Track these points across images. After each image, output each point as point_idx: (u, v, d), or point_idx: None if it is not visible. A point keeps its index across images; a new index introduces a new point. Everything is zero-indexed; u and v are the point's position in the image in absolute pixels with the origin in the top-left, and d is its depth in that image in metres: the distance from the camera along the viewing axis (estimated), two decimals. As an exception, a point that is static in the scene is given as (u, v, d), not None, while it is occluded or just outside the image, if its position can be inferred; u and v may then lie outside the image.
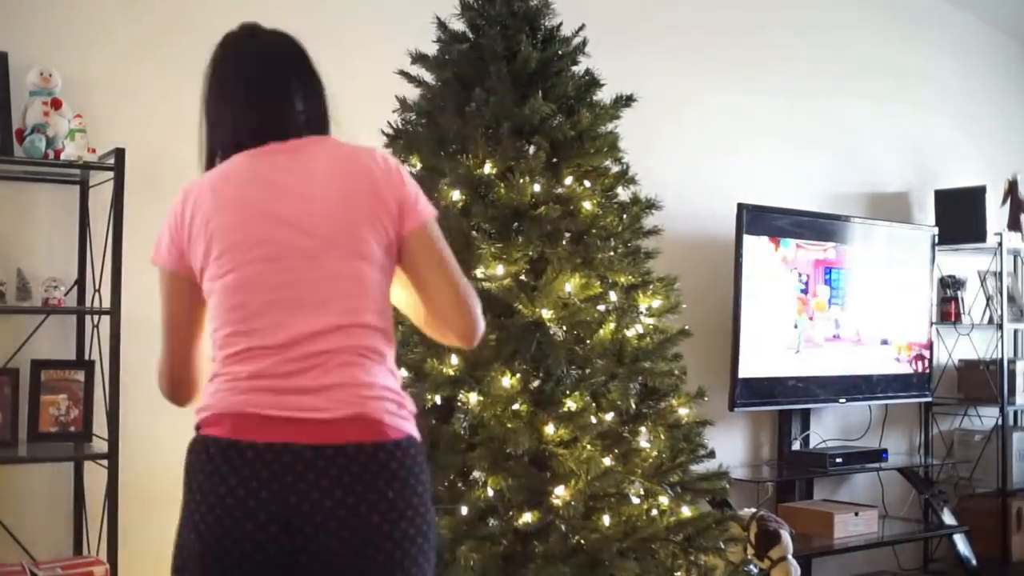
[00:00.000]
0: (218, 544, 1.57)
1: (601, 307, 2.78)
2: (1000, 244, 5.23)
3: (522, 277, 2.72)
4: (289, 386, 1.61)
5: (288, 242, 1.66)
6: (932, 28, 5.73)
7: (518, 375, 2.64)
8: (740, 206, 4.37)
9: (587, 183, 2.82)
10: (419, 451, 1.68)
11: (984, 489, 5.28)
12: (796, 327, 4.63)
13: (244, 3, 3.67)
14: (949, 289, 5.44)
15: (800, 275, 4.64)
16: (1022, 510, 5.23)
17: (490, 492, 2.60)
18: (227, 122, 1.80)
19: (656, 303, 2.88)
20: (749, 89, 4.88)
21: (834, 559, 4.83)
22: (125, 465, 3.08)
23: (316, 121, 1.88)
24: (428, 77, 2.97)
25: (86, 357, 3.27)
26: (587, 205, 2.79)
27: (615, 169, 2.92)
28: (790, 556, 3.78)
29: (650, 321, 2.88)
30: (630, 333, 2.81)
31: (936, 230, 5.25)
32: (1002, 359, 5.21)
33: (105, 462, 3.06)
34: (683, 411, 2.86)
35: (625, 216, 2.89)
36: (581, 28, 2.98)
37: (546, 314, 2.67)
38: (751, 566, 3.56)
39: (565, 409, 2.65)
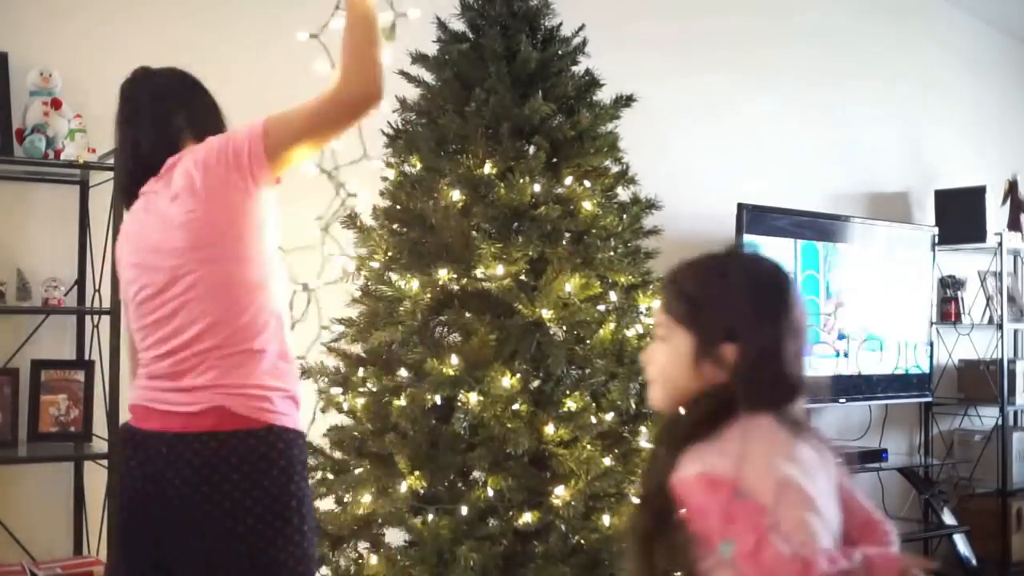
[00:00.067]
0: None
1: (601, 307, 2.78)
2: (1000, 244, 5.23)
3: (522, 277, 2.72)
4: (169, 386, 1.91)
5: (155, 273, 1.93)
6: (932, 28, 5.73)
7: (518, 375, 2.63)
8: (740, 206, 4.37)
9: (587, 183, 2.82)
10: (280, 440, 1.89)
11: (984, 489, 5.28)
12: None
13: (247, 4, 3.69)
14: (949, 289, 5.44)
15: (801, 275, 4.64)
16: (1022, 510, 5.23)
17: (490, 492, 2.60)
18: (122, 158, 2.08)
19: (656, 303, 2.87)
20: (749, 89, 4.87)
21: (834, 559, 4.82)
22: (125, 465, 3.08)
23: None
24: (428, 77, 2.97)
25: (86, 357, 3.27)
26: (587, 205, 2.79)
27: (615, 169, 2.92)
28: (790, 556, 3.78)
29: (650, 321, 2.88)
30: (630, 333, 2.81)
31: (936, 230, 5.25)
32: (1002, 359, 5.21)
33: (105, 462, 3.06)
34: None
35: (625, 216, 2.89)
36: (581, 28, 2.98)
37: (546, 314, 2.67)
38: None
39: (565, 409, 2.66)
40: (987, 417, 5.47)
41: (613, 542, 2.61)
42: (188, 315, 1.90)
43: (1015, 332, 5.87)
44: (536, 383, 2.72)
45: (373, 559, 2.72)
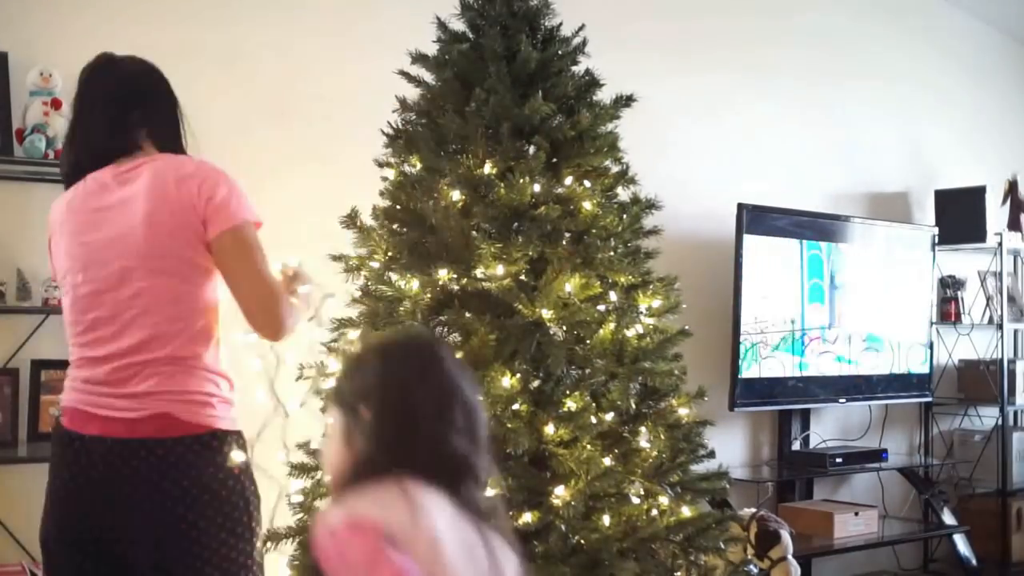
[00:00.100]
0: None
1: (601, 307, 2.78)
2: (1000, 244, 5.23)
3: (522, 277, 2.72)
4: (108, 391, 1.91)
5: (101, 267, 1.92)
6: (932, 28, 5.73)
7: (518, 375, 2.63)
8: (740, 206, 4.38)
9: (587, 183, 2.82)
10: (224, 443, 1.92)
11: (984, 489, 5.28)
12: (795, 325, 4.63)
13: (247, 5, 3.69)
14: (949, 289, 5.44)
15: (801, 275, 4.64)
16: (1022, 510, 5.23)
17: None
18: (72, 145, 2.04)
19: (656, 303, 2.87)
20: (749, 89, 4.88)
21: (834, 559, 4.83)
22: (125, 465, 3.08)
23: (164, 140, 2.06)
24: (428, 77, 2.97)
25: (86, 357, 3.27)
26: (587, 205, 2.79)
27: (615, 169, 2.92)
28: (790, 556, 3.78)
29: (650, 321, 2.88)
30: (630, 333, 2.81)
31: (936, 230, 5.25)
32: (1002, 359, 5.21)
33: (105, 462, 3.05)
34: (683, 411, 2.85)
35: (625, 216, 2.88)
36: (581, 28, 2.98)
37: (546, 314, 2.67)
38: (751, 566, 3.55)
39: (565, 409, 2.65)
40: (987, 417, 5.47)
41: (613, 542, 2.61)
42: (130, 322, 1.91)
43: (1015, 332, 5.87)
44: (536, 383, 2.72)
45: (373, 559, 2.72)
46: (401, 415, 1.41)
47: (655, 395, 2.84)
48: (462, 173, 2.75)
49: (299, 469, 2.85)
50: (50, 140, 3.10)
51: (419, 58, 2.96)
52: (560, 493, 2.60)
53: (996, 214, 5.34)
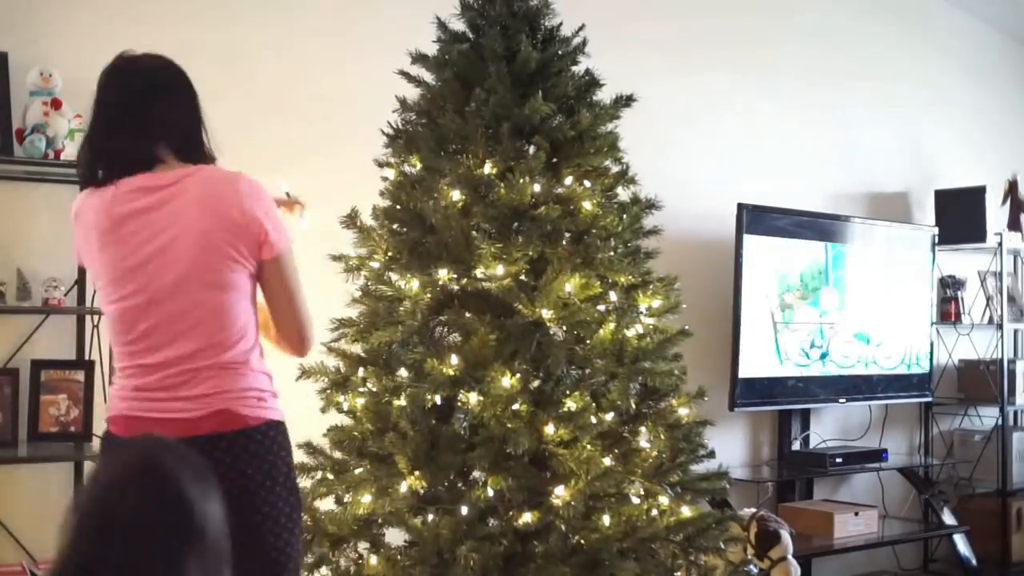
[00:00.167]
0: None
1: (601, 307, 2.78)
2: (1000, 244, 5.23)
3: (522, 277, 2.72)
4: (164, 396, 1.98)
5: (152, 279, 1.98)
6: (932, 29, 5.73)
7: (518, 375, 2.63)
8: (740, 206, 4.38)
9: (587, 183, 2.82)
10: (279, 433, 2.05)
11: (984, 489, 5.28)
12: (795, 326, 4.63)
13: (247, 5, 3.69)
14: (949, 289, 5.44)
15: (801, 275, 4.64)
16: (1022, 510, 5.23)
17: (490, 492, 2.60)
18: (90, 147, 2.04)
19: (656, 303, 2.87)
20: (749, 89, 4.88)
21: (834, 559, 4.83)
22: (125, 465, 3.08)
23: (186, 148, 2.06)
24: (428, 77, 2.97)
25: (86, 357, 3.27)
26: (587, 205, 2.79)
27: (615, 169, 2.92)
28: (790, 556, 3.78)
29: (650, 321, 2.88)
30: (630, 333, 2.81)
31: (936, 230, 5.25)
32: (1002, 359, 5.21)
33: (105, 462, 3.05)
34: (683, 411, 2.86)
35: (625, 216, 2.88)
36: (581, 28, 2.98)
37: (546, 314, 2.67)
38: (751, 566, 3.56)
39: (565, 409, 2.65)
40: (987, 417, 5.47)
41: (613, 542, 2.61)
42: (184, 332, 1.99)
43: (1015, 332, 5.86)
44: (536, 383, 2.72)
45: (373, 559, 2.72)
46: None
47: (655, 395, 2.84)
48: (462, 173, 2.75)
49: (299, 469, 2.85)
50: (50, 140, 3.10)
51: (419, 58, 2.96)
52: (560, 493, 2.60)
53: (996, 214, 5.33)
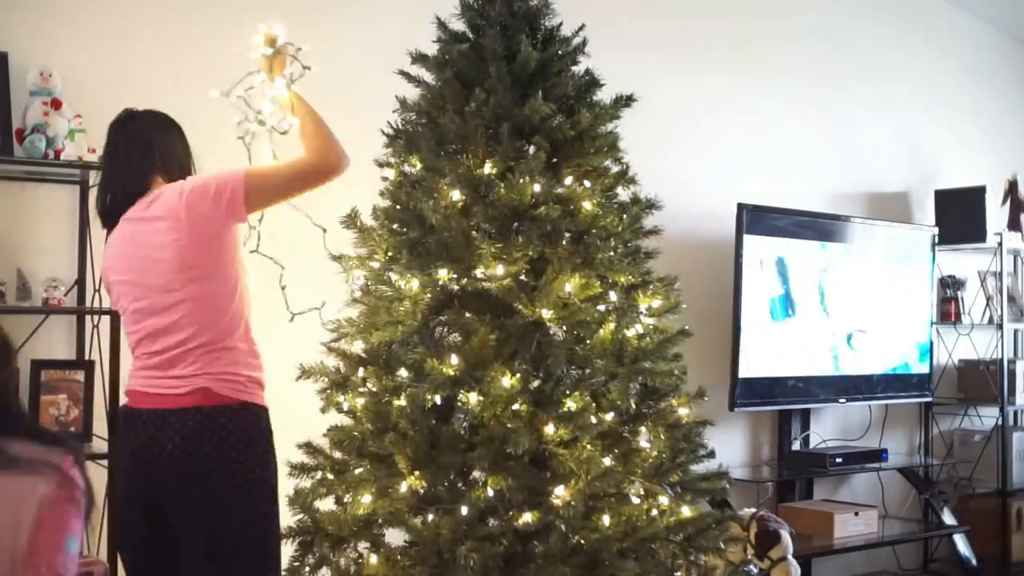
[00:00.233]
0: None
1: (601, 307, 2.78)
2: (1000, 244, 5.23)
3: (522, 277, 2.72)
4: (159, 375, 2.32)
5: (147, 288, 2.32)
6: (932, 29, 5.73)
7: (518, 375, 2.63)
8: (740, 206, 4.38)
9: (587, 183, 2.82)
10: (252, 413, 2.32)
11: (984, 489, 5.28)
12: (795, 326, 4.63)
13: (247, 5, 3.69)
14: (949, 289, 5.44)
15: (800, 275, 4.65)
16: (1022, 510, 5.23)
17: (490, 492, 2.60)
18: (106, 187, 2.43)
19: (656, 303, 2.87)
20: (749, 89, 4.88)
21: (834, 559, 4.83)
22: (125, 465, 3.08)
23: (172, 176, 2.43)
24: (428, 77, 2.97)
25: (86, 357, 3.27)
26: (587, 205, 2.79)
27: (615, 169, 2.92)
28: (790, 556, 3.78)
29: (650, 321, 2.88)
30: (630, 333, 2.81)
31: (936, 230, 5.26)
32: (1002, 359, 5.21)
33: (105, 462, 3.05)
34: (683, 411, 2.86)
35: (625, 216, 2.88)
36: (581, 28, 2.98)
37: (546, 314, 2.67)
38: (751, 566, 3.56)
39: (565, 409, 2.65)
40: (987, 417, 5.47)
41: (613, 542, 2.61)
42: (176, 323, 2.30)
43: (1015, 332, 5.87)
44: (536, 383, 2.72)
45: (373, 559, 2.72)
46: None
47: (655, 395, 2.84)
48: (462, 173, 2.75)
49: (299, 469, 2.86)
50: (50, 140, 3.10)
51: (419, 58, 2.96)
52: (560, 493, 2.60)
53: (996, 214, 5.34)
